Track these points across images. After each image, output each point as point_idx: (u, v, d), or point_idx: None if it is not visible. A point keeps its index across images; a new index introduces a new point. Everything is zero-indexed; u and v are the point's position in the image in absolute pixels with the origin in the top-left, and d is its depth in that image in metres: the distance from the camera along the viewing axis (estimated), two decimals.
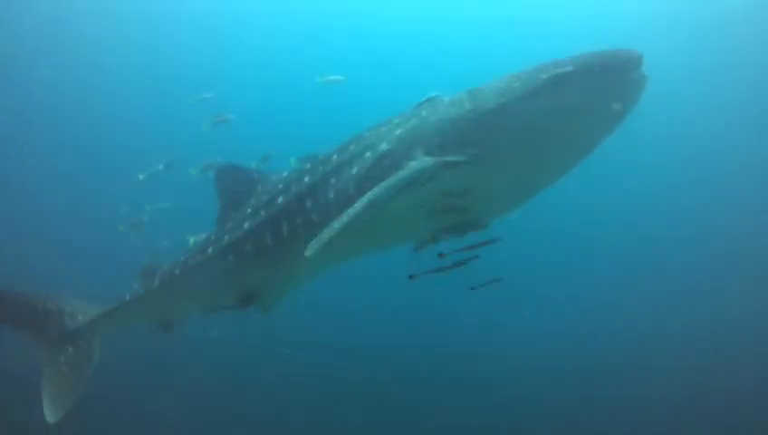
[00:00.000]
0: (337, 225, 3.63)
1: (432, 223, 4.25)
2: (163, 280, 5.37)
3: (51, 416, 5.08)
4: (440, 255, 4.39)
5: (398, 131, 4.20)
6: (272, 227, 4.69)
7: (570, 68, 3.84)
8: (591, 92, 3.84)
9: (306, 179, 4.59)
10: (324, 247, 3.54)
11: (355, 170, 4.23)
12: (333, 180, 4.36)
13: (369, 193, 3.74)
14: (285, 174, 5.11)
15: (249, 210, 5.01)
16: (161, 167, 9.33)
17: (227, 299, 5.17)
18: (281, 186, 4.84)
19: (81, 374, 5.38)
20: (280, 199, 4.72)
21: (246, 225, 4.90)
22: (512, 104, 3.87)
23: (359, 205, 3.68)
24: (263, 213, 4.82)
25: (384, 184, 3.75)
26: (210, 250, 5.10)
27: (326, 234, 3.60)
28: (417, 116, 4.26)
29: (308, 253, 3.53)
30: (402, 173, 3.79)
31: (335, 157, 4.50)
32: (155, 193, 10.65)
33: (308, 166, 4.73)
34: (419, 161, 3.84)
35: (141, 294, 5.43)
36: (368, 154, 4.23)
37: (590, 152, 4.15)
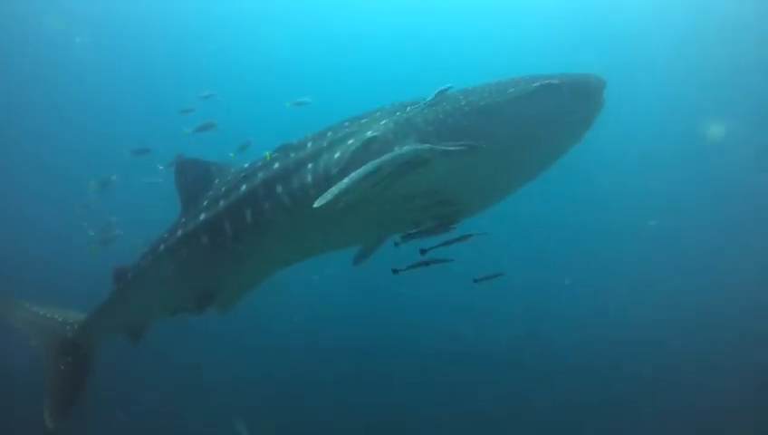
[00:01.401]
0: (346, 182, 3.71)
1: (411, 215, 4.41)
2: (129, 280, 5.33)
3: (51, 422, 5.24)
4: (422, 251, 4.45)
5: (383, 121, 4.37)
6: (232, 214, 4.64)
7: (557, 81, 4.33)
8: (571, 105, 4.39)
9: (276, 166, 4.57)
10: (333, 202, 3.63)
11: (338, 155, 4.30)
12: (311, 165, 4.40)
13: (373, 161, 3.84)
14: (246, 165, 5.01)
15: (206, 202, 4.94)
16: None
17: (183, 299, 5.14)
18: (242, 175, 4.78)
19: (81, 382, 5.51)
20: (243, 187, 4.66)
21: (203, 216, 4.82)
22: (504, 105, 4.26)
23: (366, 167, 3.79)
24: (221, 202, 4.75)
25: (386, 156, 3.88)
26: (162, 247, 5.05)
27: (336, 189, 3.67)
28: (405, 109, 4.46)
29: (317, 204, 3.63)
30: (403, 149, 3.96)
31: (310, 144, 4.55)
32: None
33: (275, 155, 4.70)
34: (417, 145, 4.04)
35: (113, 295, 5.45)
36: (350, 141, 4.33)
37: (560, 157, 4.64)
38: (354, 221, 4.43)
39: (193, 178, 5.19)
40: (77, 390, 5.45)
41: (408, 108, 4.45)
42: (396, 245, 4.61)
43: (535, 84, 4.30)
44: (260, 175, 4.61)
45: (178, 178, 5.27)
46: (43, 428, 5.26)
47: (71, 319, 5.63)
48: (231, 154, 7.57)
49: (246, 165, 4.99)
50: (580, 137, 4.62)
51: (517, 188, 4.76)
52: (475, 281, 4.93)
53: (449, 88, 4.49)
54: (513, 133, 4.29)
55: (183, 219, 5.07)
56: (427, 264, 4.43)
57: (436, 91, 4.45)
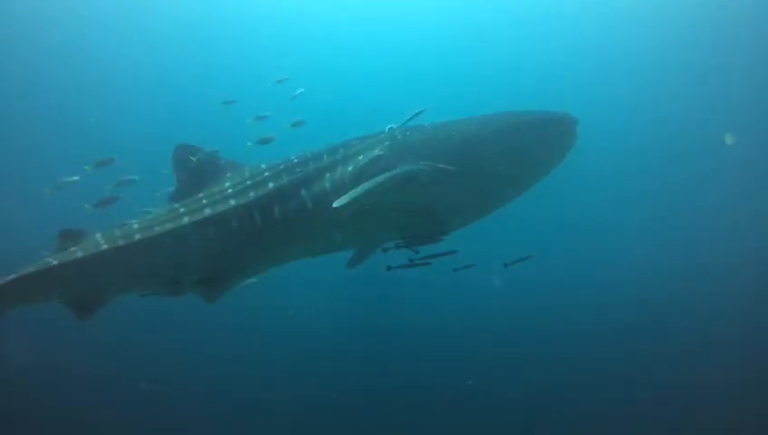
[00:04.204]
0: (361, 189, 4.57)
1: (404, 222, 5.12)
2: (114, 244, 4.80)
3: None
4: (411, 260, 5.31)
5: (387, 143, 5.14)
6: (262, 207, 5.00)
7: (538, 119, 5.29)
8: (550, 140, 5.31)
9: (298, 171, 5.13)
10: (351, 203, 4.45)
11: (351, 168, 5.01)
12: (328, 175, 5.06)
13: (382, 175, 4.71)
14: (263, 165, 5.29)
15: (231, 190, 5.10)
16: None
17: (189, 275, 5.01)
18: (267, 173, 5.16)
19: None
20: (271, 184, 5.08)
21: (233, 202, 5.03)
22: (490, 137, 5.12)
23: (378, 179, 4.66)
24: (252, 194, 5.05)
25: (391, 172, 4.76)
26: (186, 220, 4.93)
27: (354, 193, 4.52)
28: (404, 134, 5.24)
29: (336, 204, 4.47)
30: (406, 168, 4.83)
31: (326, 157, 5.18)
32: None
33: (295, 161, 5.21)
34: (417, 164, 4.88)
35: (80, 258, 4.75)
36: (360, 157, 5.07)
37: (537, 182, 5.50)
38: (359, 226, 5.08)
39: (199, 165, 5.34)
40: None
41: (408, 133, 5.23)
42: (384, 251, 5.38)
43: (521, 120, 5.22)
44: (284, 177, 5.11)
45: (177, 161, 5.37)
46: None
47: None
48: (248, 143, 8.30)
49: (263, 165, 5.29)
50: (556, 166, 5.45)
51: (497, 208, 5.53)
52: (506, 265, 5.76)
53: (422, 111, 5.43)
54: (498, 161, 5.05)
55: (205, 201, 5.09)
56: (417, 265, 5.23)
57: (412, 114, 5.40)
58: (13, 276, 4.58)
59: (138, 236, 4.82)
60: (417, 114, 5.39)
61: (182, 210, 5.01)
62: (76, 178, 8.06)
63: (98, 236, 4.90)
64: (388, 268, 5.35)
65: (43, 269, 4.66)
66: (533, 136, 5.21)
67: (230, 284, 5.21)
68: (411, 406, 10.81)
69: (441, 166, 4.83)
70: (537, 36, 21.57)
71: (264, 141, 8.26)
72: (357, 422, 10.72)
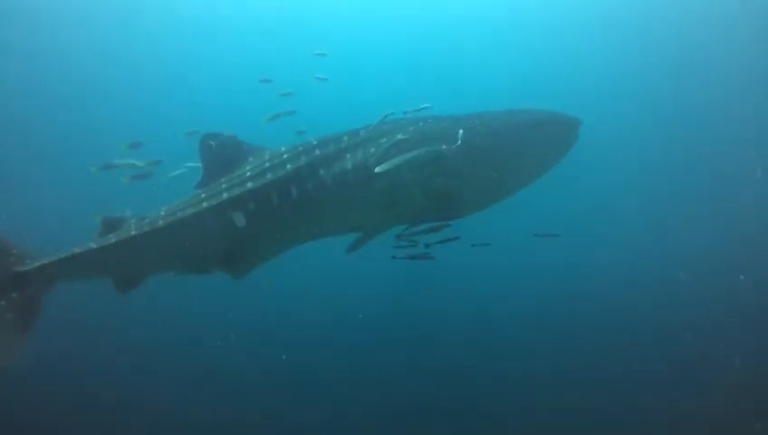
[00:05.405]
0: (400, 159, 4.87)
1: (421, 206, 5.34)
2: (144, 229, 5.27)
3: None
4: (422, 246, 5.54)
5: (410, 128, 5.35)
6: (279, 188, 5.17)
7: (551, 117, 5.64)
8: (558, 136, 5.68)
9: (317, 152, 5.29)
10: (392, 170, 4.81)
11: (373, 150, 5.19)
12: (349, 155, 5.23)
13: (416, 150, 4.97)
14: (283, 148, 5.52)
15: (249, 174, 5.32)
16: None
17: (210, 256, 5.35)
18: (286, 156, 5.35)
19: (25, 324, 5.08)
20: (288, 166, 5.25)
21: (250, 184, 5.23)
22: (514, 130, 5.46)
23: (414, 152, 4.93)
24: (269, 176, 5.24)
25: (426, 148, 5.01)
26: (205, 204, 5.24)
27: (394, 161, 4.85)
28: (426, 121, 5.49)
29: (378, 169, 4.82)
30: (437, 147, 5.08)
31: (346, 138, 5.36)
32: None
33: (314, 142, 5.37)
34: (441, 145, 5.14)
35: (115, 243, 5.25)
36: (383, 140, 5.24)
37: (539, 177, 5.80)
38: (376, 208, 5.31)
39: (222, 151, 5.57)
40: (20, 333, 5.02)
41: (430, 120, 5.49)
42: (398, 237, 5.61)
43: (535, 117, 5.57)
44: (303, 158, 5.28)
45: (204, 149, 5.61)
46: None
47: (16, 251, 5.21)
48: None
49: (283, 148, 5.50)
50: (558, 162, 5.79)
51: (499, 200, 5.78)
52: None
53: (429, 107, 5.65)
54: (516, 155, 5.42)
55: (224, 185, 5.35)
56: (420, 258, 5.53)
57: (419, 108, 5.63)
58: (59, 256, 5.19)
59: (161, 223, 5.26)
60: (422, 110, 5.59)
61: (203, 195, 5.35)
62: (131, 161, 8.65)
63: (132, 222, 5.40)
64: (394, 258, 5.63)
65: (86, 251, 5.22)
66: (545, 133, 5.54)
67: (251, 263, 5.48)
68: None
69: (470, 150, 5.09)
70: (536, 36, 21.59)
71: (288, 113, 8.88)
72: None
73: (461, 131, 5.19)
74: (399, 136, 5.21)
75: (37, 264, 5.13)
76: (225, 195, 5.23)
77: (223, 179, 5.40)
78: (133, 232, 5.25)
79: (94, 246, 5.25)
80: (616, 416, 9.90)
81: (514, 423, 9.79)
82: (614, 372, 10.86)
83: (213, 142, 5.55)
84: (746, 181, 16.09)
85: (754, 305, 12.06)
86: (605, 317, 12.47)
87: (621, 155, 17.16)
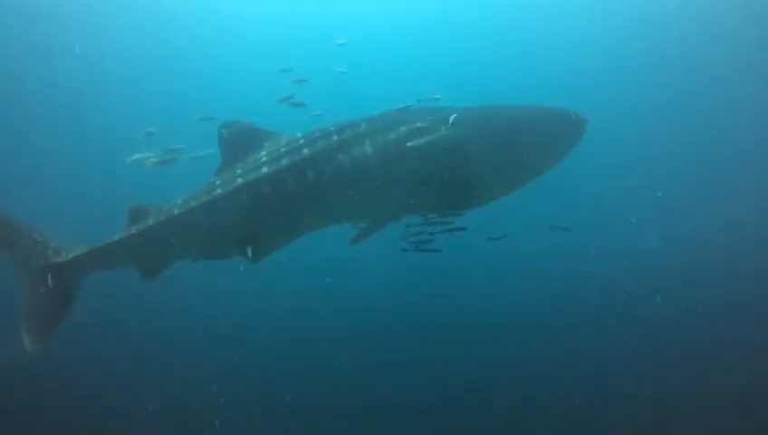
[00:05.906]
0: (430, 137, 5.09)
1: (437, 194, 5.41)
2: (160, 219, 5.40)
3: (30, 345, 5.23)
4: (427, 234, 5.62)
5: (429, 117, 5.40)
6: (295, 172, 5.20)
7: (564, 115, 5.77)
8: (569, 132, 5.82)
9: (335, 138, 5.34)
10: (425, 145, 5.04)
11: (392, 136, 5.26)
12: (368, 141, 5.29)
13: (441, 133, 5.17)
14: (299, 133, 5.56)
15: (264, 159, 5.36)
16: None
17: (228, 241, 5.40)
18: (302, 141, 5.38)
19: (60, 311, 5.40)
20: (305, 151, 5.28)
21: (265, 169, 5.26)
22: (532, 123, 5.64)
23: (441, 134, 5.15)
24: (284, 161, 5.26)
25: (450, 132, 5.18)
26: (220, 191, 5.28)
27: (425, 139, 5.08)
28: (444, 111, 5.50)
29: (411, 144, 5.05)
30: (453, 131, 5.19)
31: (364, 125, 5.41)
32: None
33: (332, 128, 5.42)
34: (460, 133, 5.24)
35: (134, 233, 5.42)
36: (403, 127, 5.31)
37: (547, 170, 5.90)
38: (392, 192, 5.35)
39: (239, 138, 5.67)
40: (55, 319, 5.36)
41: (446, 110, 5.50)
42: (407, 227, 5.70)
43: (549, 112, 5.75)
44: (320, 143, 5.31)
45: (222, 137, 5.71)
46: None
47: (56, 244, 5.51)
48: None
49: (299, 134, 5.53)
50: (565, 156, 5.93)
51: (506, 194, 5.87)
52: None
53: (438, 98, 5.86)
54: (530, 148, 5.54)
55: (239, 171, 5.41)
56: (428, 250, 5.61)
57: (427, 99, 5.84)
58: (92, 247, 5.44)
59: (176, 211, 5.35)
60: (434, 99, 5.85)
61: (217, 182, 5.42)
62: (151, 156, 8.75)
63: (150, 212, 5.53)
64: (404, 250, 5.71)
65: (114, 242, 5.43)
66: (556, 127, 5.71)
67: (269, 247, 5.49)
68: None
69: (489, 139, 5.25)
70: (536, 36, 21.62)
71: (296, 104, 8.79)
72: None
73: (482, 119, 5.34)
74: (419, 124, 5.30)
75: (72, 255, 5.40)
76: (239, 180, 5.29)
77: (238, 165, 5.49)
78: (150, 222, 5.40)
79: (121, 236, 5.44)
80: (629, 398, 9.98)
81: (528, 413, 9.75)
82: (619, 355, 10.88)
83: (229, 130, 5.64)
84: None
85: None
86: (611, 303, 12.45)
87: (622, 149, 17.30)
